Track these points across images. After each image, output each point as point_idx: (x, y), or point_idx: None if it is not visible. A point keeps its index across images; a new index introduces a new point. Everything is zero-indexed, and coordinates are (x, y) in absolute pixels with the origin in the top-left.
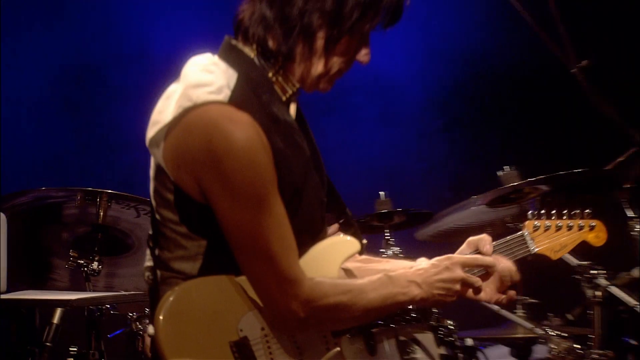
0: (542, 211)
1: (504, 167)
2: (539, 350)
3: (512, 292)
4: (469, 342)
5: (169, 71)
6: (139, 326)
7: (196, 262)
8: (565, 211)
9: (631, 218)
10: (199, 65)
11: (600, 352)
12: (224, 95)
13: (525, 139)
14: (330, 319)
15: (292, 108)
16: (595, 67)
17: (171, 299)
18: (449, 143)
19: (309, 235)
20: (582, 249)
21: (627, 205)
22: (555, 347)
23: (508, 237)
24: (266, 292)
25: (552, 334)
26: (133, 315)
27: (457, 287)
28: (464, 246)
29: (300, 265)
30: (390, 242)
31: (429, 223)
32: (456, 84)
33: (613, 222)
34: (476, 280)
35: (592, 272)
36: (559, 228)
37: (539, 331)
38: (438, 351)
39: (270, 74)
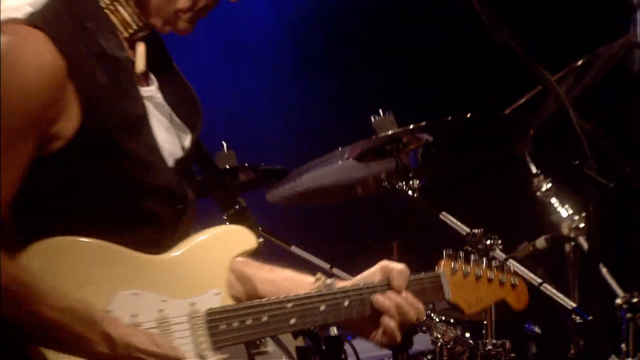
0: (460, 253)
1: (379, 112)
2: (421, 341)
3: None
4: (334, 331)
5: None
6: None
7: None
8: (483, 259)
9: (536, 175)
10: None
11: (496, 342)
12: (23, 13)
13: (404, 79)
14: None
15: (140, 48)
16: None
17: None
18: (309, 83)
19: (139, 211)
20: (474, 212)
21: (530, 160)
22: (440, 336)
23: (422, 275)
24: None
25: (436, 320)
26: None
27: None
28: (374, 269)
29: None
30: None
31: (284, 182)
32: (319, 12)
33: (514, 181)
34: None
35: (486, 242)
36: (478, 278)
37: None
38: (295, 343)
39: (106, 2)
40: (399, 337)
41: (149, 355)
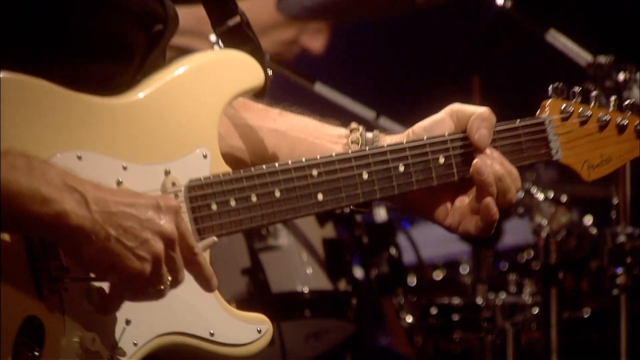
0: (575, 89)
1: None
2: (516, 228)
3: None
4: (381, 214)
5: None
6: None
7: None
8: (612, 99)
9: None
10: None
11: (632, 230)
12: None
13: None
14: None
15: None
16: None
17: None
18: None
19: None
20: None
21: None
22: (546, 222)
23: (517, 123)
24: None
25: (540, 197)
26: None
27: (155, 245)
28: (441, 115)
29: None
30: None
31: None
32: None
33: None
34: (202, 260)
35: (618, 75)
36: (603, 126)
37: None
38: (321, 233)
39: None
40: (494, 222)
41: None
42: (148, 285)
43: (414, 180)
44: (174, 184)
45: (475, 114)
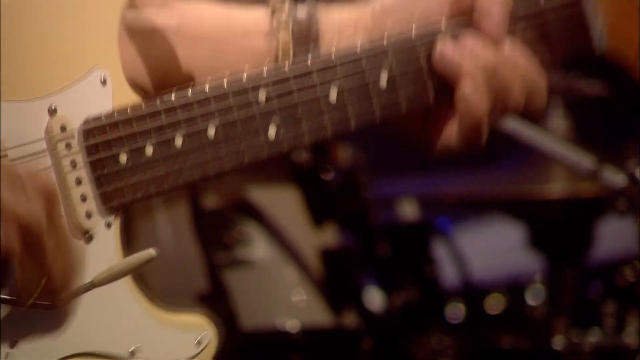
0: None
1: None
2: (614, 233)
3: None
4: (410, 210)
5: None
6: None
7: None
8: None
9: None
10: None
11: None
12: None
13: None
14: None
15: None
16: None
17: None
18: None
19: None
20: None
21: None
22: None
23: (543, 2)
24: None
25: None
26: None
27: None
28: None
29: None
30: None
31: None
32: None
33: None
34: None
35: None
36: None
37: (614, 177)
38: (316, 238)
39: None
40: (476, 123)
41: None
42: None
43: (401, 99)
44: (63, 129)
45: None
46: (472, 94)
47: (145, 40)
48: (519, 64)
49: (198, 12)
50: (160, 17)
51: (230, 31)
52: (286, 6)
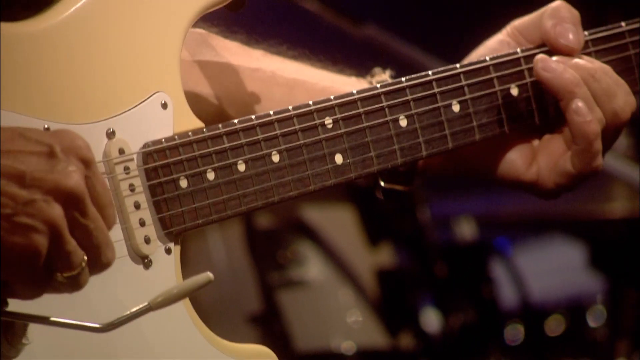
0: None
1: None
2: None
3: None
4: (468, 231)
5: None
6: None
7: None
8: None
9: None
10: None
11: None
12: None
13: None
14: None
15: None
16: None
17: None
18: None
19: None
20: None
21: None
22: None
23: (624, 25)
24: None
25: None
26: None
27: (47, 209)
28: (499, 36)
29: None
30: None
31: None
32: None
33: None
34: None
35: None
36: None
37: None
38: (372, 259)
39: None
40: (591, 141)
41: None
42: (50, 272)
43: (476, 126)
44: (121, 152)
45: (547, 11)
46: (582, 107)
47: (224, 74)
48: (609, 71)
49: (297, 65)
50: (256, 61)
51: (331, 81)
52: (387, 74)
